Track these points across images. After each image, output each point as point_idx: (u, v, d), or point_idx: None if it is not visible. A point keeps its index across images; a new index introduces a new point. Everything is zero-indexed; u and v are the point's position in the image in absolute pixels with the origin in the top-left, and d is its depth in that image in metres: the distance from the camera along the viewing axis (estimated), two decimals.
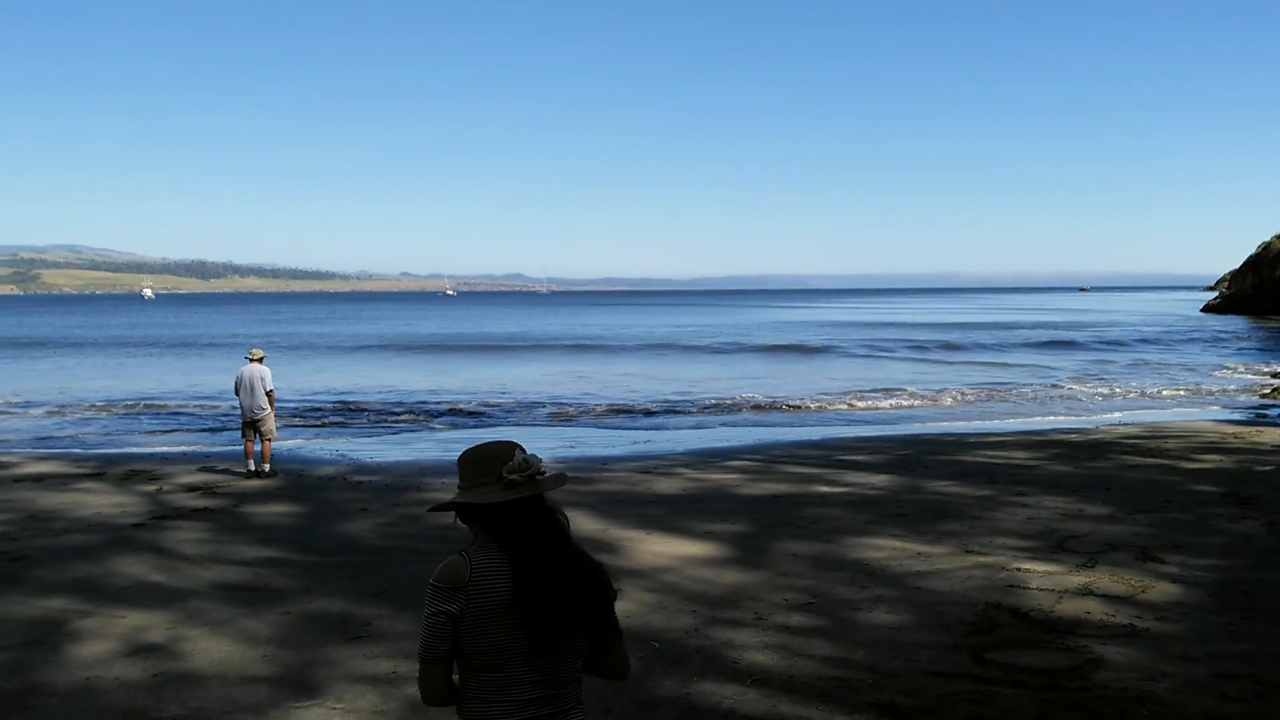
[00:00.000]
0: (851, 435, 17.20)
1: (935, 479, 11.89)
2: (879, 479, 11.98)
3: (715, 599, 7.04)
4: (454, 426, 19.60)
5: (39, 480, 12.25)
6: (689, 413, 21.66)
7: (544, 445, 16.55)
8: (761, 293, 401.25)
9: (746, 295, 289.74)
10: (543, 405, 23.01)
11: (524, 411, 21.90)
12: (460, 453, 2.67)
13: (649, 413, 21.61)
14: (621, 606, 6.75)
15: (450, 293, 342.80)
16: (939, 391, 25.28)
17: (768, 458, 14.18)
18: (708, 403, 23.34)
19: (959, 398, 24.17)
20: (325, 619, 6.68)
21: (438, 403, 23.57)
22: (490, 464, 2.57)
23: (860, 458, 13.86)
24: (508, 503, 2.54)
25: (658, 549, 8.55)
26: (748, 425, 19.56)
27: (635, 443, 16.88)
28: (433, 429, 19.30)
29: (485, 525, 2.58)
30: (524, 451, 2.61)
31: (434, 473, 13.17)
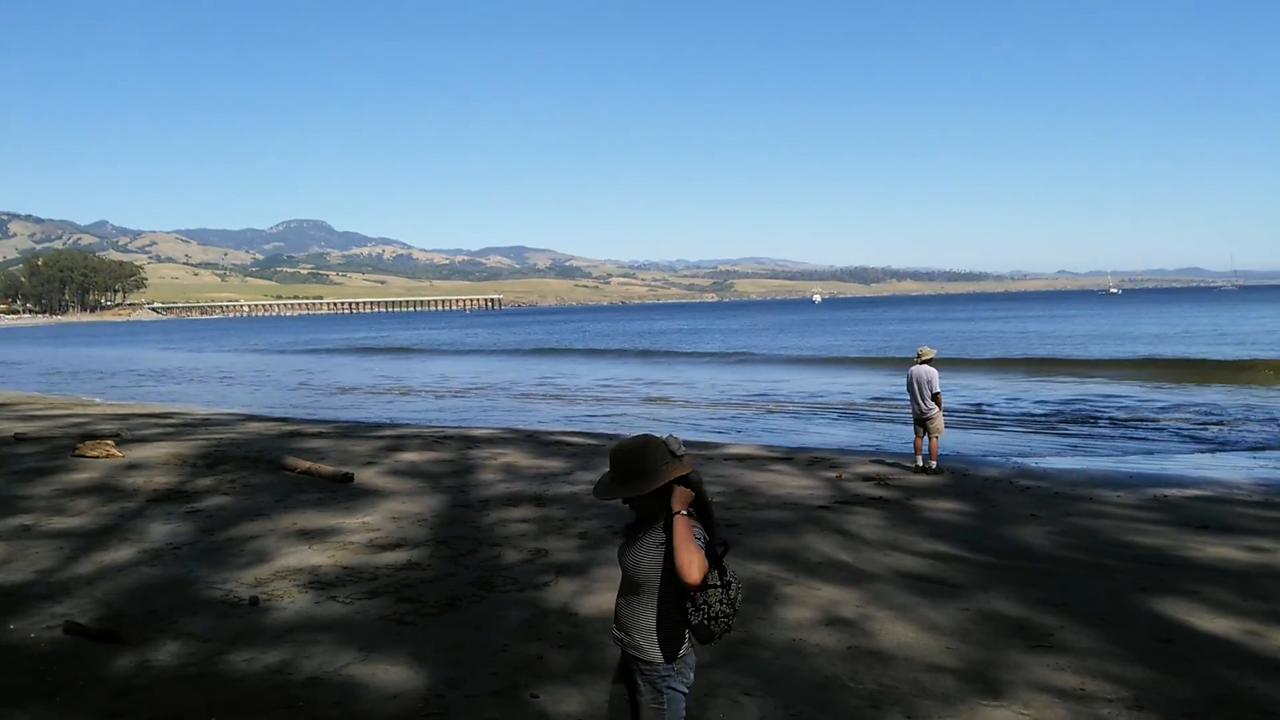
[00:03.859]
0: None
1: None
2: None
3: None
4: (1127, 438, 17.94)
5: (741, 460, 14.24)
6: None
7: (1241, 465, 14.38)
8: None
9: None
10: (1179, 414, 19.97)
11: (1185, 423, 19.23)
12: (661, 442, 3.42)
13: None
14: None
15: (1114, 290, 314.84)
16: None
17: None
18: None
19: None
20: (1004, 621, 6.64)
21: (1100, 410, 21.94)
22: (663, 448, 3.39)
23: None
24: (693, 472, 3.41)
25: None
26: None
27: None
28: (1094, 439, 17.94)
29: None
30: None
31: (1105, 484, 12.28)
